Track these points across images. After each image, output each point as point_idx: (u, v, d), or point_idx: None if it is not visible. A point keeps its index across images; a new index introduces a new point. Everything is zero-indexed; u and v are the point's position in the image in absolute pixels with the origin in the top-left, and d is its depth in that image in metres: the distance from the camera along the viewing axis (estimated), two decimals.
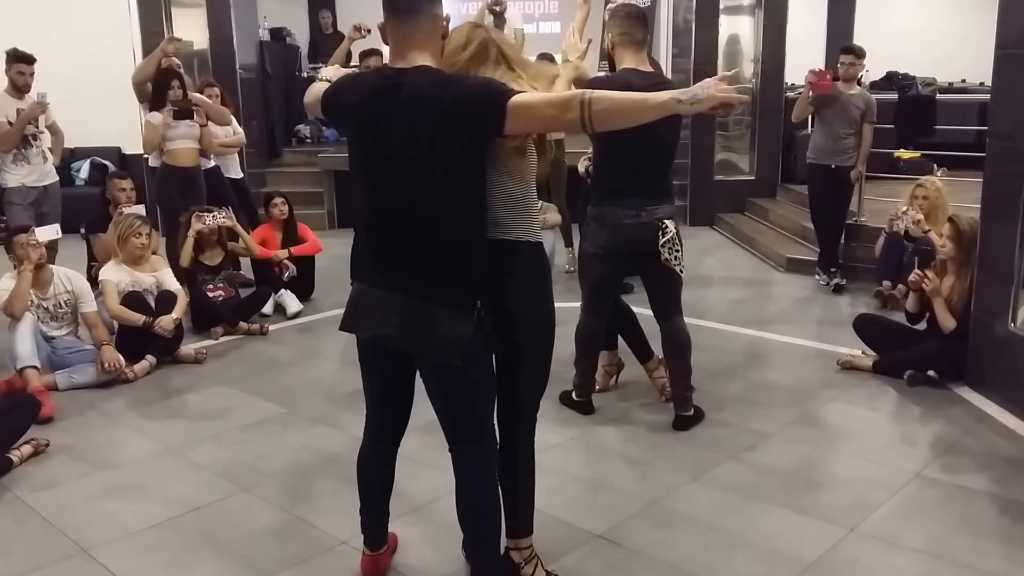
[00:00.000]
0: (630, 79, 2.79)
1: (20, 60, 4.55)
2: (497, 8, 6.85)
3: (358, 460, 2.10)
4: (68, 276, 3.76)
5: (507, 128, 1.71)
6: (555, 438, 2.97)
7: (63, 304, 3.70)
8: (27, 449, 2.89)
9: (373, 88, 1.81)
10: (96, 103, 6.57)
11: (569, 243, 5.53)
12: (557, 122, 1.77)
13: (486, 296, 1.86)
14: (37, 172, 4.64)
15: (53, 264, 3.81)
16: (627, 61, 2.89)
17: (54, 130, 4.88)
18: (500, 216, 1.90)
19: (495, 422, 2.00)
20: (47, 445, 2.97)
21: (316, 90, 1.98)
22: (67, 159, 6.64)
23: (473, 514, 1.97)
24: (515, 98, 1.69)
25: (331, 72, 2.07)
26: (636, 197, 2.89)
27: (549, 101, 1.74)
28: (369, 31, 4.76)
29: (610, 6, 3.01)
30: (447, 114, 1.71)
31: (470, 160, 1.77)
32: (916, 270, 3.64)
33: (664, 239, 2.90)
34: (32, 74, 4.59)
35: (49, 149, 4.79)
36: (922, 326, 3.73)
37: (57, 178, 4.85)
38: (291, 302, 4.70)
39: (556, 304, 2.04)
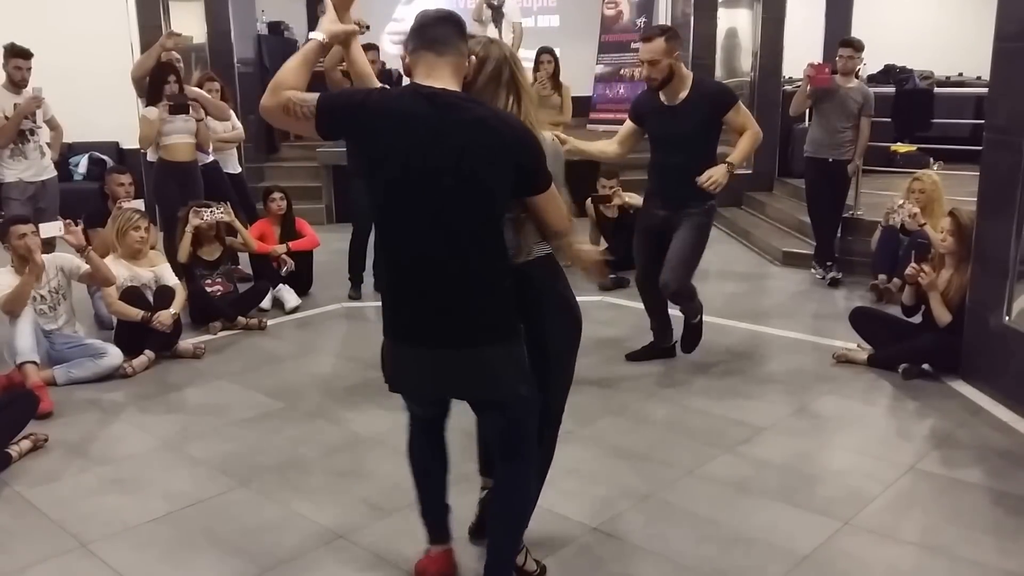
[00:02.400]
0: None
1: (17, 55, 4.54)
2: (495, 2, 6.83)
3: (410, 451, 2.07)
4: (55, 257, 3.76)
5: (531, 201, 1.82)
6: None
7: (57, 288, 3.69)
8: (26, 444, 2.90)
9: (412, 108, 1.73)
10: (94, 97, 6.56)
11: None
12: (555, 224, 1.91)
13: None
14: (34, 167, 4.65)
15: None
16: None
17: (53, 125, 4.88)
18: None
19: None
20: (46, 440, 2.98)
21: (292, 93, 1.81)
22: (65, 154, 6.63)
23: (509, 519, 2.00)
24: (551, 188, 1.84)
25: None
26: None
27: (561, 209, 1.90)
28: (368, 27, 4.73)
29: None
30: (504, 151, 1.74)
31: (509, 188, 1.80)
32: (913, 263, 3.65)
33: None
34: (29, 69, 4.59)
35: (47, 144, 4.79)
36: (917, 319, 3.74)
37: (55, 173, 4.86)
38: (289, 297, 4.70)
39: None
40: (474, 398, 1.91)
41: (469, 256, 1.77)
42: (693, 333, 3.71)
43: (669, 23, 7.45)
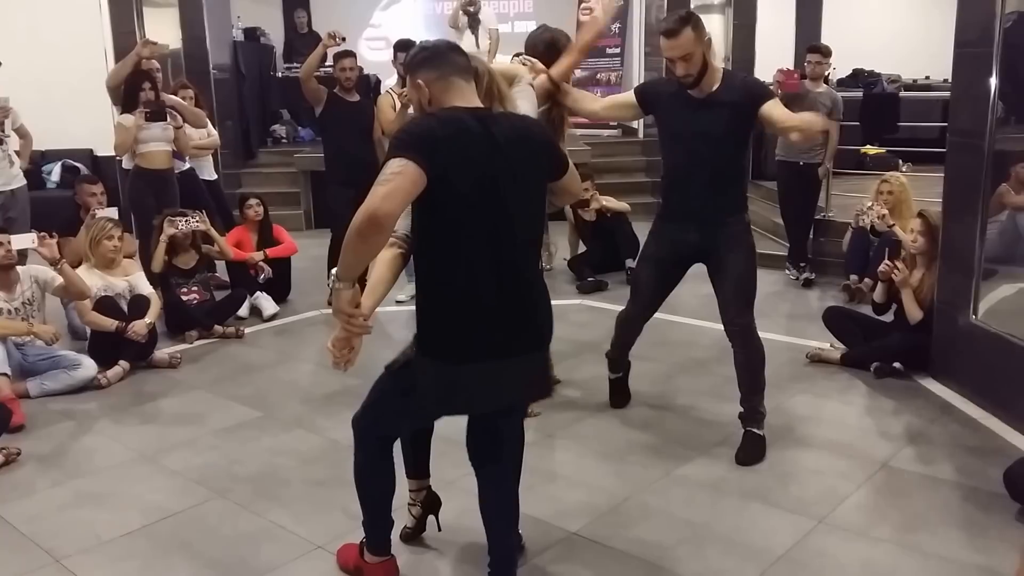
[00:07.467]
0: None
1: None
2: (471, 8, 6.86)
3: (372, 474, 2.08)
4: (29, 269, 3.72)
5: (558, 178, 2.00)
6: (530, 436, 2.97)
7: (31, 300, 3.64)
8: None
9: (477, 129, 1.80)
10: (67, 104, 6.48)
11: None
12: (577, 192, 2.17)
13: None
14: (3, 176, 4.57)
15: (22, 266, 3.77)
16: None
17: (22, 133, 4.81)
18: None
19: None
20: (18, 454, 2.94)
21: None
22: (38, 161, 6.53)
23: (514, 514, 2.10)
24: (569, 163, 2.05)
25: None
26: None
27: (576, 175, 2.13)
28: (344, 39, 4.73)
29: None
30: (542, 151, 1.93)
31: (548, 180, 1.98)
32: (886, 260, 3.72)
33: None
34: None
35: (16, 152, 4.72)
36: (889, 317, 3.82)
37: (24, 182, 4.78)
38: (267, 304, 4.68)
39: None
40: (532, 399, 2.07)
41: (532, 258, 1.95)
42: (757, 446, 2.90)
43: (643, 29, 7.52)
